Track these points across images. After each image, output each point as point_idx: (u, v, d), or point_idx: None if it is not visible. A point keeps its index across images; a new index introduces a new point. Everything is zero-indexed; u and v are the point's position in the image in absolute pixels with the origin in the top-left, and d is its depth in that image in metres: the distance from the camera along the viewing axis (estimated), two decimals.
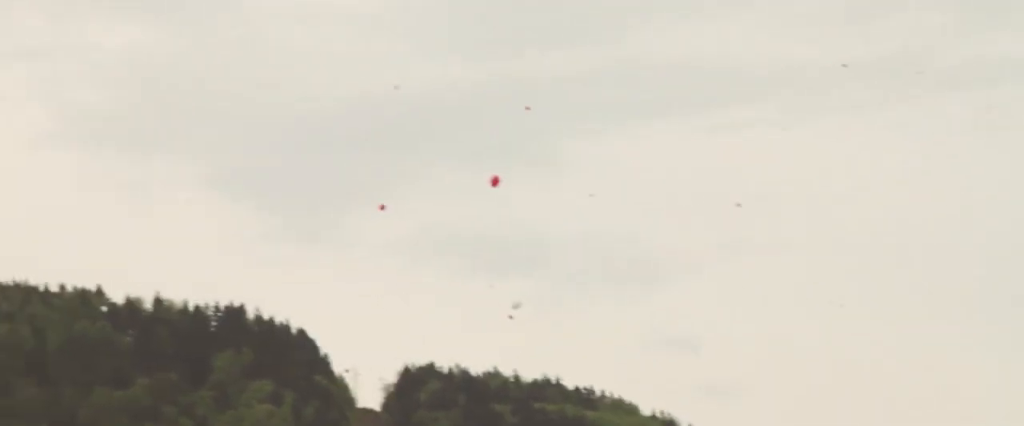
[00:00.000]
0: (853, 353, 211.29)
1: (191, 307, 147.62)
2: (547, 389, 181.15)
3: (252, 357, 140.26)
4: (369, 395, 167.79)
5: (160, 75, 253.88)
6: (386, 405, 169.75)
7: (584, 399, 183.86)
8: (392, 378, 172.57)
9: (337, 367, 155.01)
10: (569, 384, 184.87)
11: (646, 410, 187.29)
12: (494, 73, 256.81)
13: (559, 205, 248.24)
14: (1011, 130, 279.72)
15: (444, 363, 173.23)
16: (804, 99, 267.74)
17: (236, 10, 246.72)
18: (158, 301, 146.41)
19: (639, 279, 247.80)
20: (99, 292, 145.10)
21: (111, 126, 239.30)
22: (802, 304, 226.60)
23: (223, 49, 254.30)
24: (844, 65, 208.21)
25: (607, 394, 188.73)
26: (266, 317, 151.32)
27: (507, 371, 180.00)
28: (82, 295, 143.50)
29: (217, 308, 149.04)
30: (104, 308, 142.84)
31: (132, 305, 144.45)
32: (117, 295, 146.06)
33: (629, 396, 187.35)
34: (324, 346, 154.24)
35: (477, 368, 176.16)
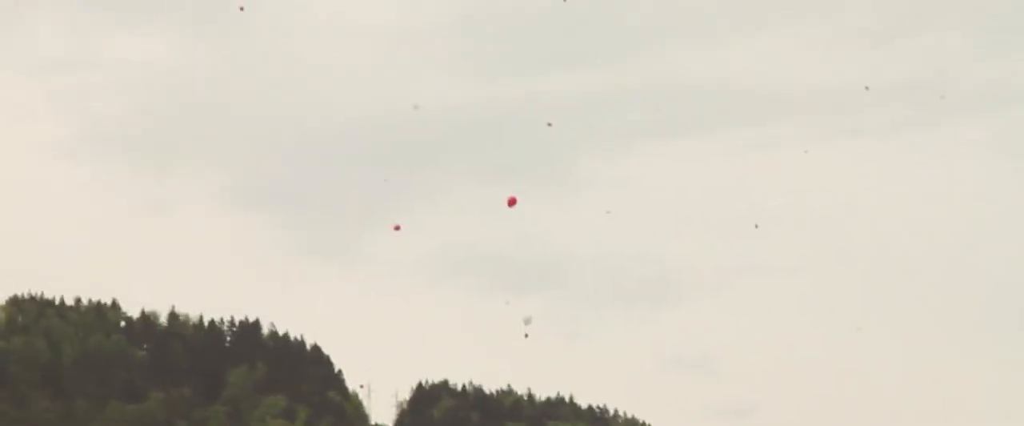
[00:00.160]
0: (870, 376, 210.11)
1: (206, 322, 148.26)
2: (560, 407, 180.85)
3: (266, 372, 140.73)
4: (383, 411, 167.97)
5: (181, 89, 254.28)
6: (399, 422, 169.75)
7: (598, 418, 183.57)
8: (406, 395, 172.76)
9: (351, 383, 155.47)
10: (583, 403, 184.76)
11: None
12: (513, 92, 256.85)
13: (576, 224, 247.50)
14: None
15: (458, 380, 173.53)
16: (824, 121, 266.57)
17: (259, 26, 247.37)
18: (173, 315, 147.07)
19: (655, 298, 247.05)
20: (115, 306, 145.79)
21: (131, 139, 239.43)
22: (819, 326, 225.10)
23: (245, 65, 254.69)
24: (866, 88, 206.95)
25: (621, 413, 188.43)
26: (281, 332, 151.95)
27: (521, 389, 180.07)
28: (98, 309, 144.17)
29: (232, 323, 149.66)
30: (123, 323, 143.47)
31: (147, 319, 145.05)
32: (133, 308, 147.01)
33: (643, 416, 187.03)
34: (339, 362, 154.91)
35: (491, 386, 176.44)
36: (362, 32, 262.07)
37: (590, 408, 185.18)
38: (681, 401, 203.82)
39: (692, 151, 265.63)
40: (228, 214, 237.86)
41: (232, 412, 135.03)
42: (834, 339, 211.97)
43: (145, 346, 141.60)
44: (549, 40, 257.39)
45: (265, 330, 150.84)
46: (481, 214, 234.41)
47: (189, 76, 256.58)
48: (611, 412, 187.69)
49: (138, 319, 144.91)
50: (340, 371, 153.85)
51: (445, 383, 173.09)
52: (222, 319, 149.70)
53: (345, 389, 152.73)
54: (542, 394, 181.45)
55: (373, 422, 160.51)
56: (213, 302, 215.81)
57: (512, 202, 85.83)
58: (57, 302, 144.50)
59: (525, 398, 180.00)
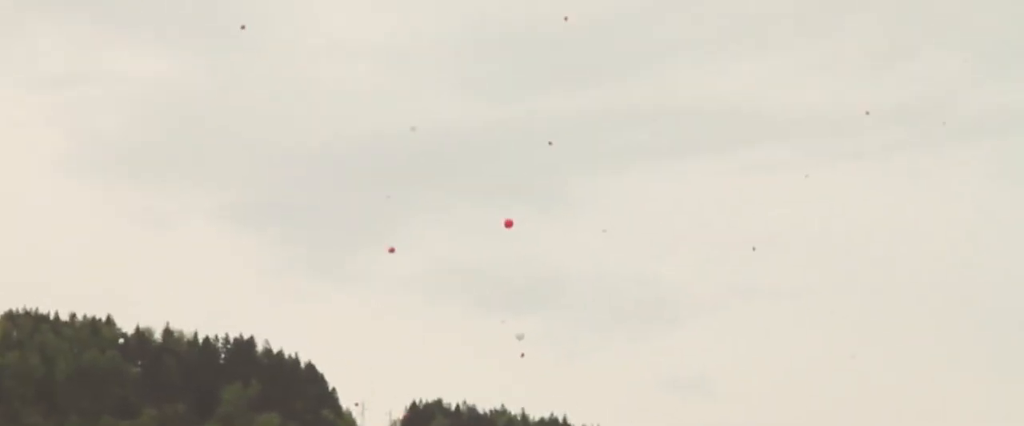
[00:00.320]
0: (867, 399, 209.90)
1: (200, 339, 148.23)
2: None
3: (260, 390, 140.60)
4: None
5: (181, 106, 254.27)
6: None
7: None
8: (400, 413, 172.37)
9: (346, 401, 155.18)
10: (577, 423, 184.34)
11: None
12: (512, 111, 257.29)
13: (573, 243, 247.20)
14: None
15: (453, 399, 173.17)
16: (824, 144, 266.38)
17: (260, 44, 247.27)
18: (168, 332, 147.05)
19: (651, 319, 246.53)
20: (110, 322, 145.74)
21: (130, 155, 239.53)
22: (817, 349, 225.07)
23: (245, 82, 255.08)
24: (867, 112, 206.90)
25: None
26: (276, 350, 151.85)
27: (515, 409, 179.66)
28: (93, 324, 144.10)
29: (226, 340, 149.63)
30: (121, 340, 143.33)
31: (141, 335, 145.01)
32: (128, 324, 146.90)
33: None
34: (333, 380, 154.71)
35: (486, 405, 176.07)
36: (362, 50, 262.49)
37: None
38: (677, 422, 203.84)
39: (691, 172, 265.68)
40: (225, 231, 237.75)
41: None
42: (832, 362, 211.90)
43: (139, 362, 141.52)
44: (549, 60, 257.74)
45: (260, 347, 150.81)
46: (478, 233, 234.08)
47: (189, 93, 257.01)
48: None
49: (132, 335, 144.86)
50: (334, 389, 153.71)
51: (439, 402, 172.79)
52: (217, 336, 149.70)
53: (339, 407, 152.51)
54: (536, 414, 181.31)
55: None
56: (208, 319, 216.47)
57: (509, 224, 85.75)
58: (52, 317, 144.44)
59: (519, 418, 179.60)
